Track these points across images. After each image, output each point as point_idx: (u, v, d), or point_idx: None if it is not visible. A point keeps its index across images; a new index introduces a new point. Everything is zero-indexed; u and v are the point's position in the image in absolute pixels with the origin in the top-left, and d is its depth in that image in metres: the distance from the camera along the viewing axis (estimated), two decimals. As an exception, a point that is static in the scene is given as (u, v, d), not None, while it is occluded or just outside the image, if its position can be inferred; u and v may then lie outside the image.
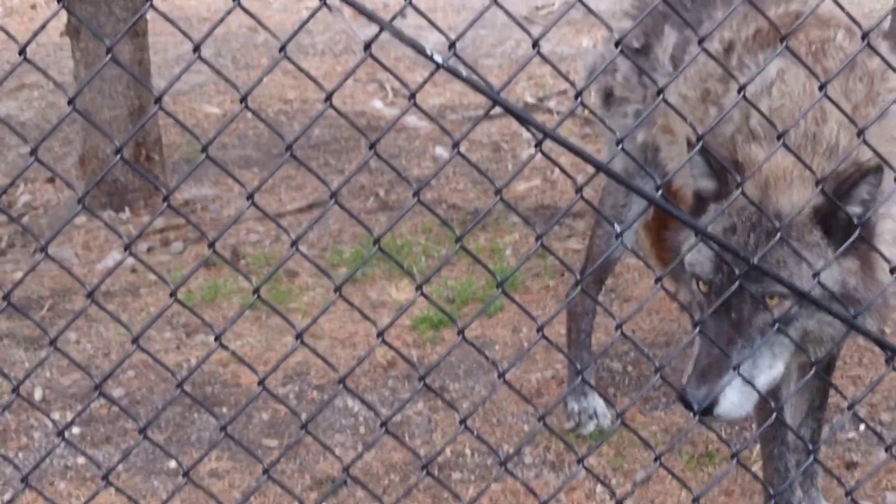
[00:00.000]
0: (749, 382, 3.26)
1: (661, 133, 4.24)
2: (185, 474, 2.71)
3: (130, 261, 5.62)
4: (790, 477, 3.98)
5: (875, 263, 3.35)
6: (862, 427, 4.67)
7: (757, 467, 4.12)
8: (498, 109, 2.64)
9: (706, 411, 3.28)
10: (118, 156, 2.51)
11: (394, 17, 2.51)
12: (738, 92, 2.79)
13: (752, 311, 3.31)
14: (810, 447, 3.85)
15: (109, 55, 2.40)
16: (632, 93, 4.41)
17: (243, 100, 2.47)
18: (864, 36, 2.83)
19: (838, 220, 3.29)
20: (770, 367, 3.36)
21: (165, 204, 2.54)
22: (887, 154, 3.21)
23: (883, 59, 3.01)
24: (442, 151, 6.83)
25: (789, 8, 3.88)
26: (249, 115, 2.30)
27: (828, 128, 3.46)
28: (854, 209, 3.26)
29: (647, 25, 4.26)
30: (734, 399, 3.31)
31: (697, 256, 3.36)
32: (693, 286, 3.42)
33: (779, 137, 2.84)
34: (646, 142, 4.28)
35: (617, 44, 2.66)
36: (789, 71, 3.63)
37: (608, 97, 4.47)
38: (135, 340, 2.60)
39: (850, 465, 4.51)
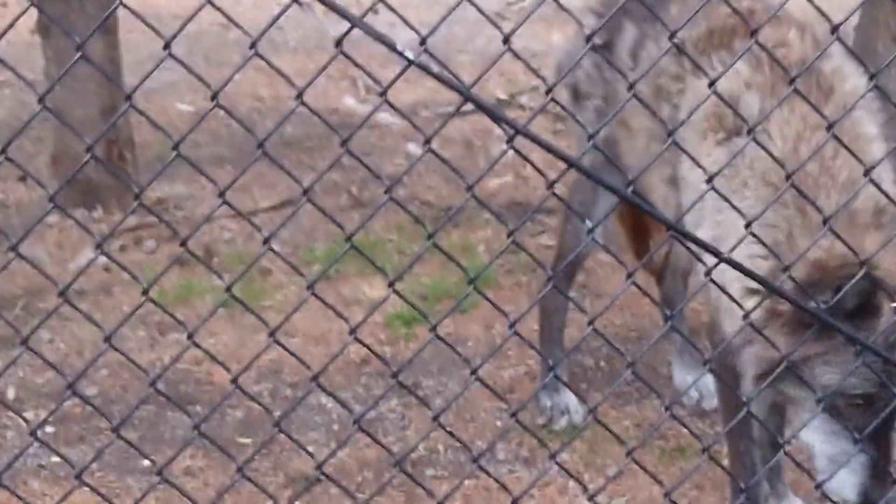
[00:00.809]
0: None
1: (618, 128, 4.25)
2: (159, 473, 2.71)
3: (103, 259, 5.60)
4: (757, 471, 4.01)
5: None
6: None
7: (728, 462, 4.14)
8: (470, 106, 2.65)
9: None
10: (90, 154, 2.52)
11: (365, 14, 2.51)
12: (709, 86, 2.80)
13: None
14: (780, 440, 3.88)
15: (80, 53, 2.40)
16: (594, 88, 4.43)
17: (214, 97, 2.47)
18: (834, 30, 2.84)
19: None
20: None
21: (137, 202, 2.54)
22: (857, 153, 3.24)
23: (849, 49, 3.02)
24: (414, 148, 6.83)
25: (741, 6, 3.87)
26: (222, 112, 2.29)
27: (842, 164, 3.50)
28: None
29: (609, 22, 4.26)
30: None
31: (856, 378, 3.35)
32: (838, 401, 3.41)
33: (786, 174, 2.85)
34: (608, 137, 4.27)
35: (588, 38, 2.68)
36: (753, 78, 3.67)
37: (575, 93, 4.48)
38: (107, 339, 2.60)
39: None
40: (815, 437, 3.49)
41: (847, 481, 3.44)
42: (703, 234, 3.55)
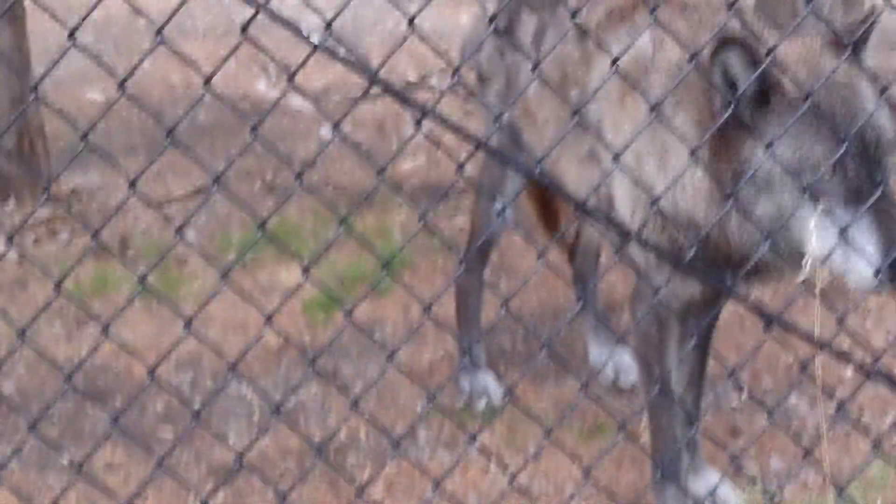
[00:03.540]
0: None
1: (521, 116, 4.27)
2: (79, 469, 2.69)
3: (17, 253, 5.55)
4: (679, 445, 4.05)
5: None
6: (745, 393, 4.74)
7: (646, 438, 4.18)
8: (380, 89, 2.65)
9: None
10: (-1, 146, 2.50)
11: (271, -1, 2.50)
12: (612, 65, 2.82)
13: None
14: (694, 415, 3.92)
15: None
16: (495, 72, 4.45)
17: (121, 85, 2.46)
18: (730, 7, 2.90)
19: None
20: None
21: (47, 195, 2.52)
22: None
23: (745, 24, 3.07)
24: (327, 133, 6.81)
25: None
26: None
27: None
28: None
29: (509, 7, 4.30)
30: None
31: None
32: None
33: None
34: (510, 124, 4.29)
35: (491, 20, 2.68)
36: (664, 41, 3.74)
37: (479, 76, 4.50)
38: (21, 334, 2.58)
39: (735, 432, 4.59)
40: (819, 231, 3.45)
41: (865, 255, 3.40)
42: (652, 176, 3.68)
